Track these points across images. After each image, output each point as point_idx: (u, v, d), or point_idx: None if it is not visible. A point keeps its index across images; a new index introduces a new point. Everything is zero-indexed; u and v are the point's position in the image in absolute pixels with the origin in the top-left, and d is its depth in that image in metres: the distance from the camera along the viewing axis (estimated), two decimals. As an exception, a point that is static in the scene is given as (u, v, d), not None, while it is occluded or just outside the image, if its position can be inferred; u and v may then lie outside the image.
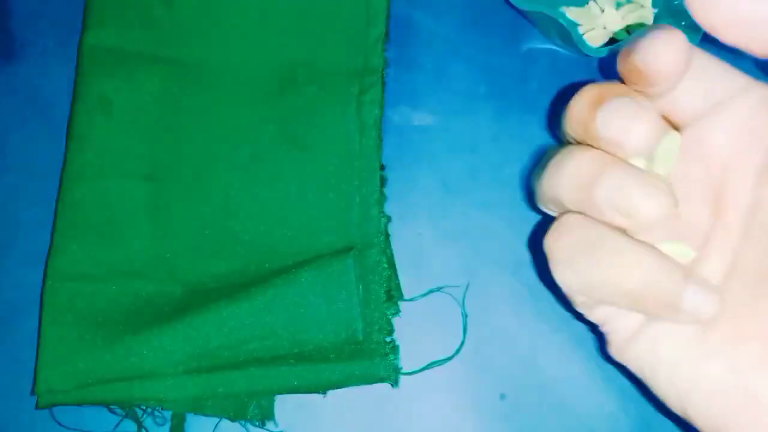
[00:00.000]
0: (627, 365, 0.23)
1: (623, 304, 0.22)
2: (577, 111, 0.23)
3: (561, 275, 0.22)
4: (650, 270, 0.21)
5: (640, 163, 0.23)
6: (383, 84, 0.31)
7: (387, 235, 0.30)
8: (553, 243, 0.23)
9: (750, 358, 0.20)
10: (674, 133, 0.23)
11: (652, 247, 0.22)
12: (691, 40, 0.30)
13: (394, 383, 0.28)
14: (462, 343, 0.30)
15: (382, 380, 0.28)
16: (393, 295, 0.30)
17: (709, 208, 0.22)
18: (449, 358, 0.30)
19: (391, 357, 0.28)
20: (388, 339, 0.29)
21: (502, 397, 0.30)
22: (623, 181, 0.21)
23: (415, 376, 0.30)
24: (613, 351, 0.23)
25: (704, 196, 0.22)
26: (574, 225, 0.22)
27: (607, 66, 0.33)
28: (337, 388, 0.28)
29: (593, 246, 0.21)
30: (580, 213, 0.23)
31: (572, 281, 0.22)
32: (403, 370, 0.29)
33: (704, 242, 0.22)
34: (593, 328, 0.28)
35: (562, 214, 0.23)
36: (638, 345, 0.23)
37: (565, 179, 0.23)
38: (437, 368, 0.30)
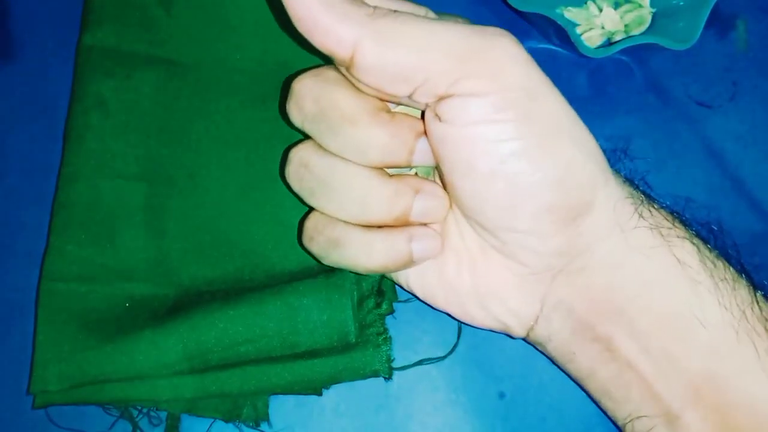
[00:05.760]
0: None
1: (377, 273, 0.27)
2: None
3: (328, 264, 0.27)
4: (380, 252, 0.25)
5: None
6: None
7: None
8: (307, 244, 0.27)
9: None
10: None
11: (379, 231, 0.25)
12: (686, 42, 0.30)
13: (388, 376, 0.28)
14: (456, 344, 0.30)
15: (375, 373, 0.28)
16: (387, 295, 0.30)
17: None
18: (442, 358, 0.30)
19: (384, 348, 0.28)
20: (380, 332, 0.29)
21: (501, 395, 0.30)
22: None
23: (414, 375, 0.30)
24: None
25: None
26: (319, 225, 0.26)
27: (605, 66, 0.33)
28: (331, 383, 0.28)
29: (337, 243, 0.25)
30: (319, 213, 0.26)
31: (335, 265, 0.26)
32: (394, 366, 0.29)
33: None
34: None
35: (306, 216, 0.27)
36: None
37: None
38: (437, 368, 0.30)
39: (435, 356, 0.30)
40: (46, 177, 0.31)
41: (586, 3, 0.33)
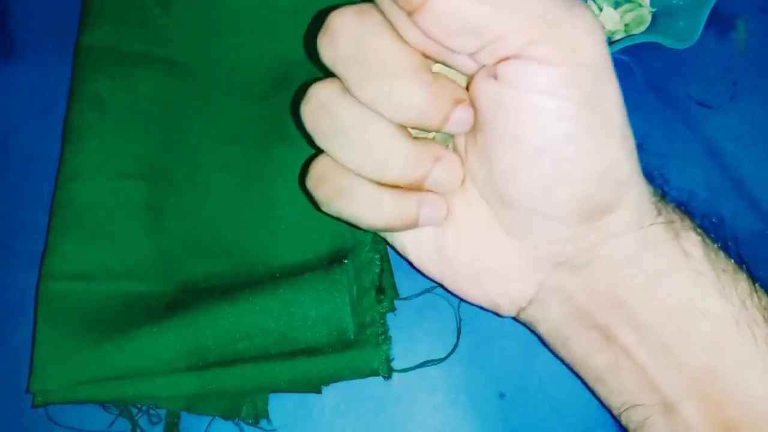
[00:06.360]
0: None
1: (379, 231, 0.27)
2: None
3: (328, 211, 0.26)
4: (389, 212, 0.24)
5: None
6: None
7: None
8: (311, 188, 0.25)
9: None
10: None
11: (391, 191, 0.24)
12: (686, 41, 0.30)
13: (387, 375, 0.28)
14: (456, 345, 0.30)
15: (374, 372, 0.28)
16: (387, 292, 0.29)
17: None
18: (443, 359, 0.30)
19: (384, 347, 0.28)
20: (380, 331, 0.29)
21: (501, 396, 0.30)
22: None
23: (414, 375, 0.30)
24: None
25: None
26: (328, 172, 0.25)
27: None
28: (330, 381, 0.28)
29: (343, 194, 0.24)
30: (329, 159, 0.25)
31: (334, 214, 0.25)
32: (396, 368, 0.29)
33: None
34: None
35: (313, 161, 0.25)
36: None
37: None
38: (437, 368, 0.30)
39: (435, 356, 0.30)
40: (46, 177, 0.31)
41: (586, 3, 0.33)
